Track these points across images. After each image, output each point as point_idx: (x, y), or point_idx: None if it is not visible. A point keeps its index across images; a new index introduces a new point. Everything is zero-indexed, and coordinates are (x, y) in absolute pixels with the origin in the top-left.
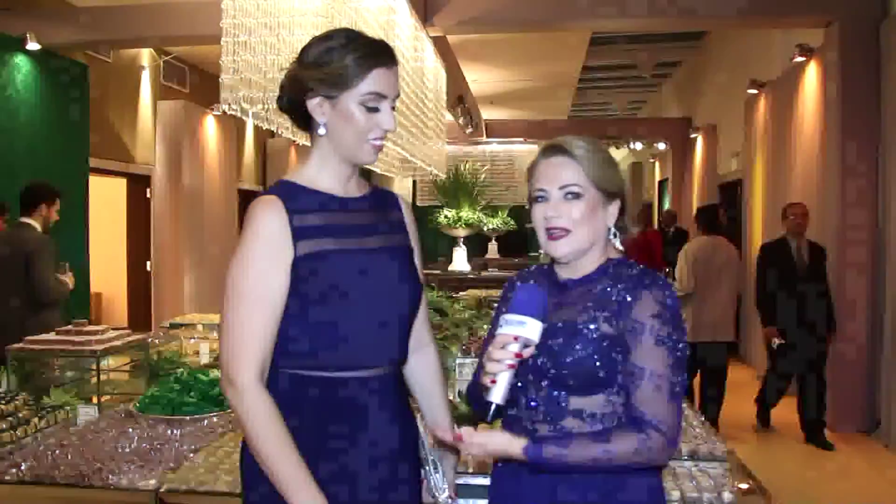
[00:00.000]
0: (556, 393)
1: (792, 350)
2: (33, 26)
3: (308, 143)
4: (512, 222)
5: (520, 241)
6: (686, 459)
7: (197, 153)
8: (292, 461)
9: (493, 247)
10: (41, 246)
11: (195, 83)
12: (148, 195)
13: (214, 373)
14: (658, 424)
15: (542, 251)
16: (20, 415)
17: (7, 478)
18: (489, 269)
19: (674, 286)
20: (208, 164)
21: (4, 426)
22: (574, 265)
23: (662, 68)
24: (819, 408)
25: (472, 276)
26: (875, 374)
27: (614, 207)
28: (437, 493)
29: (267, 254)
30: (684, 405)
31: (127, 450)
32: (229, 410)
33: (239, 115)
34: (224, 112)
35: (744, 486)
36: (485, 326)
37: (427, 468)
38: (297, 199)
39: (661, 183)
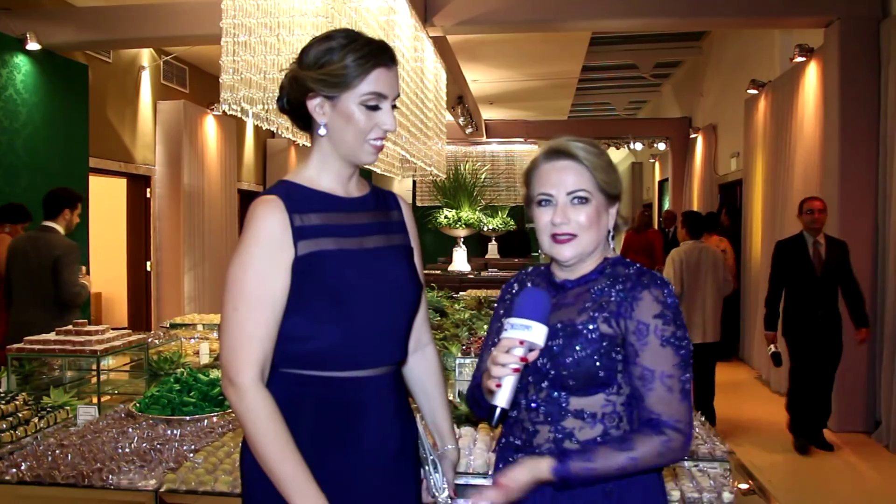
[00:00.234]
0: (556, 394)
1: (809, 354)
2: (33, 26)
3: (308, 144)
4: (512, 222)
5: (520, 241)
6: (686, 459)
7: (197, 153)
8: (293, 461)
9: (492, 247)
10: (69, 251)
11: (195, 83)
12: (148, 195)
13: (214, 373)
14: (675, 424)
15: (541, 251)
16: (20, 415)
17: (7, 478)
18: (489, 270)
19: None
20: (208, 164)
21: (4, 426)
22: (573, 266)
23: (662, 68)
24: (823, 408)
25: (472, 277)
26: (875, 374)
27: (614, 210)
28: (436, 493)
29: (267, 254)
30: None
31: (127, 450)
32: (229, 410)
33: (239, 115)
34: (224, 112)
35: (744, 486)
36: (484, 327)
37: (427, 468)
38: (297, 198)
39: (661, 183)
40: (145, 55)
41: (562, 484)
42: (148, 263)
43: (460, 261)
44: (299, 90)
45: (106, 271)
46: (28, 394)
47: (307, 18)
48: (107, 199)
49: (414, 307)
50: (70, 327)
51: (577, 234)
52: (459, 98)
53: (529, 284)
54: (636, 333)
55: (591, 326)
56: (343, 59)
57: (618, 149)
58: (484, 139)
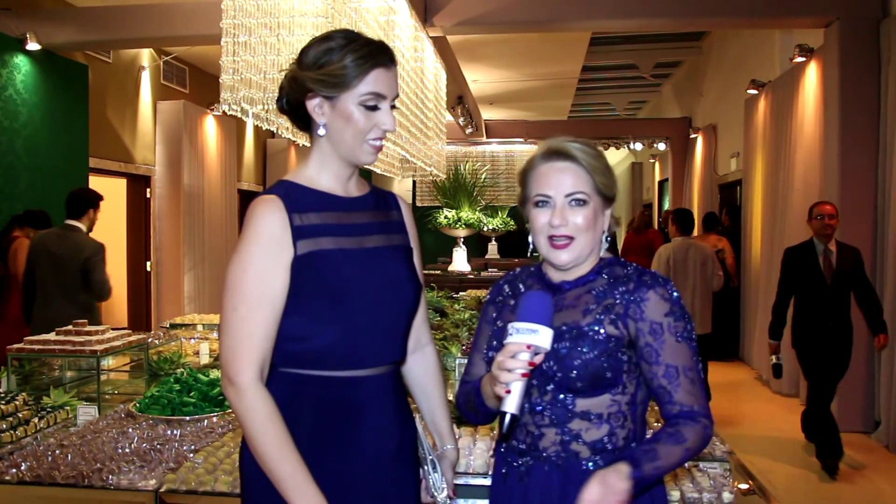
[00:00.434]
0: (561, 396)
1: (820, 367)
2: (33, 27)
3: (308, 144)
4: (512, 223)
5: (520, 241)
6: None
7: (197, 153)
8: (292, 461)
9: (492, 247)
10: (97, 250)
11: (195, 83)
12: (148, 195)
13: (214, 373)
14: (705, 411)
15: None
16: (20, 415)
17: (7, 478)
18: (489, 270)
19: None
20: (208, 164)
21: (4, 426)
22: (567, 272)
23: (662, 68)
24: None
25: (471, 277)
26: (874, 375)
27: (609, 211)
28: (435, 493)
29: (267, 253)
30: None
31: (127, 450)
32: (229, 411)
33: (239, 115)
34: (224, 112)
35: (744, 486)
36: None
37: (426, 468)
38: (297, 198)
39: (661, 183)
40: (145, 55)
41: (637, 486)
42: (148, 263)
43: (460, 261)
44: (298, 90)
45: None
46: (28, 394)
47: (307, 19)
48: (107, 199)
49: (413, 307)
50: (70, 327)
51: (574, 236)
52: (459, 98)
53: (522, 286)
54: (652, 334)
55: (596, 328)
56: (342, 59)
57: (618, 149)
58: (484, 139)
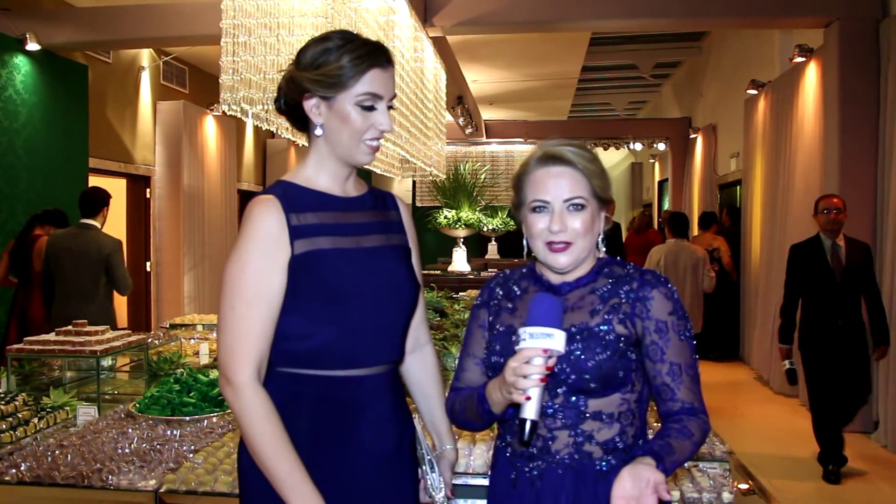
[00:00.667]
0: (573, 398)
1: (828, 372)
2: (33, 27)
3: (307, 144)
4: (512, 223)
5: (520, 241)
6: None
7: (197, 154)
8: (289, 460)
9: (492, 247)
10: (118, 246)
11: (195, 84)
12: (148, 195)
13: (214, 373)
14: (703, 408)
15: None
16: (20, 415)
17: (7, 478)
18: (489, 270)
19: None
20: (208, 164)
21: (4, 427)
22: (565, 274)
23: (662, 69)
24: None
25: (471, 277)
26: (873, 376)
27: (604, 214)
28: (433, 493)
29: (264, 253)
30: None
31: (127, 450)
32: (229, 411)
33: (239, 115)
34: (224, 112)
35: (743, 486)
36: None
37: (424, 467)
38: (294, 198)
39: (660, 183)
40: (145, 55)
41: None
42: (148, 264)
43: (460, 261)
44: (296, 91)
45: None
46: (28, 394)
47: (307, 19)
48: None
49: (411, 307)
50: (70, 327)
51: (573, 241)
52: (459, 98)
53: (516, 289)
54: (658, 332)
55: (606, 328)
56: (339, 59)
57: (617, 149)
58: (484, 139)
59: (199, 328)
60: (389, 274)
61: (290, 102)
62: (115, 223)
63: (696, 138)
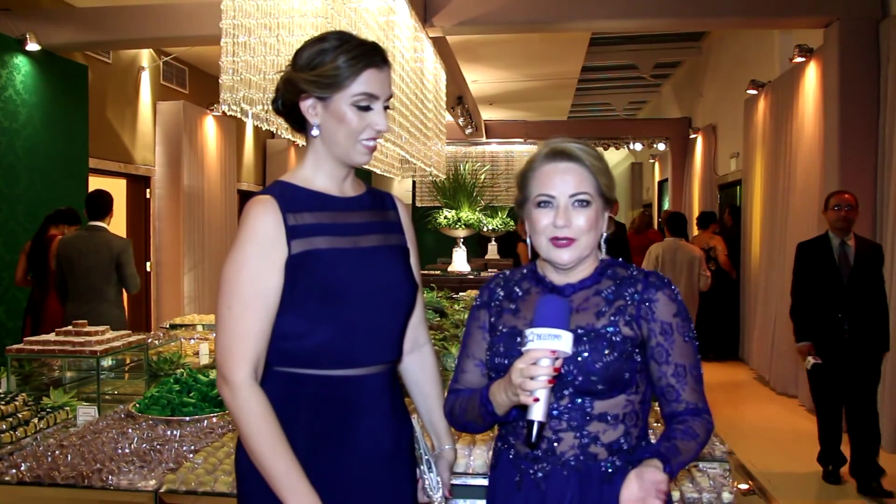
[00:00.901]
0: (579, 400)
1: (832, 376)
2: (33, 27)
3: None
4: (512, 223)
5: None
6: None
7: (197, 154)
8: (285, 459)
9: (492, 247)
10: (128, 245)
11: (195, 84)
12: (148, 196)
13: (214, 373)
14: (707, 408)
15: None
16: (20, 415)
17: (7, 478)
18: (489, 270)
19: None
20: (208, 164)
21: (4, 427)
22: (568, 274)
23: (662, 69)
24: (870, 448)
25: (471, 277)
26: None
27: (607, 214)
28: (431, 493)
29: (261, 252)
30: None
31: (127, 450)
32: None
33: (239, 115)
34: (224, 113)
35: (743, 486)
36: None
37: (422, 467)
38: (292, 198)
39: (660, 183)
40: (145, 56)
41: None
42: (148, 264)
43: (460, 261)
44: (293, 92)
45: None
46: (28, 394)
47: (307, 19)
48: None
49: (409, 307)
50: (70, 328)
51: (576, 238)
52: (459, 98)
53: (518, 290)
54: (663, 334)
55: (613, 330)
56: (335, 60)
57: (617, 149)
58: (484, 139)
59: (199, 328)
60: (387, 274)
61: (287, 103)
62: (115, 223)
63: (696, 138)
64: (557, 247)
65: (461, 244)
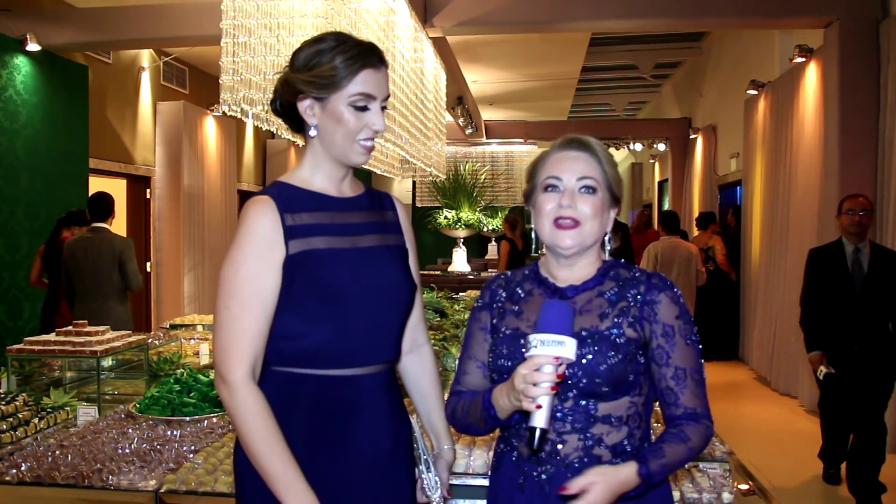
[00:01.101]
0: (583, 402)
1: (842, 388)
2: (33, 27)
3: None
4: None
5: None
6: None
7: (197, 154)
8: (282, 458)
9: (492, 248)
10: (128, 245)
11: (195, 84)
12: (148, 196)
13: (214, 373)
14: (707, 413)
15: (541, 251)
16: (20, 415)
17: (7, 478)
18: (489, 270)
19: None
20: (208, 164)
21: (4, 427)
22: (571, 269)
23: (662, 69)
24: (874, 465)
25: (471, 277)
26: None
27: (613, 214)
28: (429, 493)
29: (259, 253)
30: None
31: (127, 450)
32: None
33: (239, 115)
34: (224, 113)
35: (744, 486)
36: None
37: (420, 467)
38: (290, 199)
39: (660, 184)
40: (145, 56)
41: (644, 483)
42: (148, 264)
43: (460, 261)
44: (290, 92)
45: None
46: (28, 394)
47: (307, 20)
48: None
49: (407, 307)
50: (70, 328)
51: (581, 222)
52: (459, 99)
53: (520, 290)
54: (664, 336)
55: (617, 332)
56: (332, 60)
57: (618, 149)
58: (484, 140)
59: (200, 328)
60: (385, 274)
61: (285, 104)
62: (115, 224)
63: (696, 138)
64: (561, 228)
65: (461, 244)
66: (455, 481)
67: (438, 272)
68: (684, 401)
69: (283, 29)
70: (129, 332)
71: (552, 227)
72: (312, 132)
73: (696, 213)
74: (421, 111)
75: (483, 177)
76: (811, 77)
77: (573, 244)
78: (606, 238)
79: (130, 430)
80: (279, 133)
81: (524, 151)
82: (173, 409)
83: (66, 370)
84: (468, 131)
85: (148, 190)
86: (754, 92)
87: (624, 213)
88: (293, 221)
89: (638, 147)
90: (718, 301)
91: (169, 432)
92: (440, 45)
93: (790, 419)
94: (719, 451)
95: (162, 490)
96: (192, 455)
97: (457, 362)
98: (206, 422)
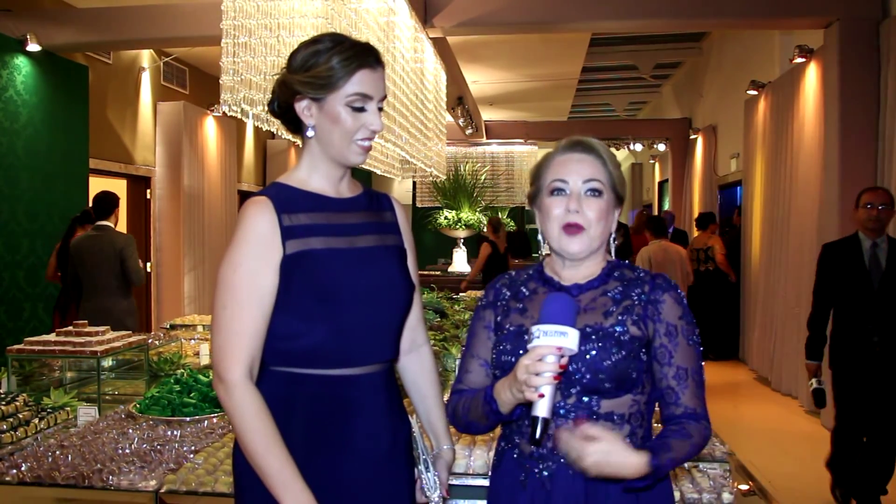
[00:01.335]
0: (586, 398)
1: (859, 394)
2: (34, 28)
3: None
4: (512, 223)
5: (520, 242)
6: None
7: (197, 154)
8: (280, 458)
9: None
10: (129, 242)
11: (195, 84)
12: (148, 196)
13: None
14: (706, 413)
15: (542, 251)
16: (20, 416)
17: (7, 479)
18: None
19: None
20: (208, 165)
21: (5, 427)
22: (576, 269)
23: (662, 69)
24: (880, 480)
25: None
26: None
27: (617, 214)
28: (429, 493)
29: (256, 253)
30: None
31: (127, 451)
32: None
33: (239, 116)
34: (224, 113)
35: (744, 486)
36: None
37: (419, 467)
38: (287, 199)
39: (660, 184)
40: (145, 56)
41: (653, 475)
42: (148, 264)
43: (460, 261)
44: (287, 93)
45: None
46: (28, 395)
47: (307, 20)
48: None
49: (405, 307)
50: (70, 328)
51: (587, 227)
52: (459, 99)
53: (524, 290)
54: (668, 335)
55: (621, 329)
56: (328, 61)
57: (618, 149)
58: (484, 140)
59: (200, 329)
60: (383, 274)
61: (282, 105)
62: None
63: (696, 139)
64: (569, 234)
65: (461, 245)
66: (455, 481)
67: (438, 272)
68: (685, 400)
69: (283, 29)
70: (130, 332)
71: (560, 232)
72: (310, 133)
73: (696, 214)
74: (421, 111)
75: (483, 177)
76: (811, 77)
77: (580, 250)
78: (611, 238)
79: (130, 431)
80: (279, 133)
81: (524, 152)
82: (173, 410)
83: (67, 370)
84: (468, 132)
85: (148, 190)
86: (754, 92)
87: (624, 213)
88: (291, 222)
89: (638, 147)
90: (718, 301)
91: (169, 432)
92: (440, 46)
93: (790, 419)
94: (719, 452)
95: (162, 490)
96: (192, 455)
97: (457, 362)
98: (206, 422)
